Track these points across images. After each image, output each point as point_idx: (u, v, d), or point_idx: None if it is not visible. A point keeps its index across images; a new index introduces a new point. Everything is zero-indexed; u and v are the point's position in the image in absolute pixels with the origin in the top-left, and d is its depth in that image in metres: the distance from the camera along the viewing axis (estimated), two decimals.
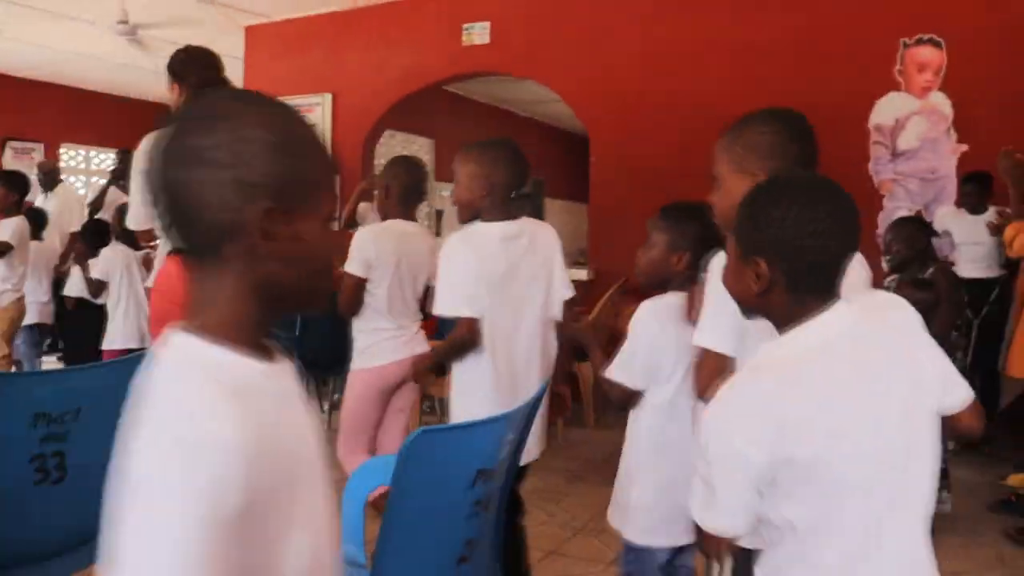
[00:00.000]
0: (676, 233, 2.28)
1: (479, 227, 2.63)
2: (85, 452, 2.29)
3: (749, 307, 1.43)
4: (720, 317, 1.67)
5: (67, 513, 2.31)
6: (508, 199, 2.62)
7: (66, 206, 6.99)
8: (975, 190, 5.00)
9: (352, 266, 3.32)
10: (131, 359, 2.77)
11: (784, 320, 1.37)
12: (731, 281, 1.44)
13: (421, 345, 3.46)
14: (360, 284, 3.32)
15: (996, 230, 4.74)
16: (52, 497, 2.25)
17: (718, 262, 1.67)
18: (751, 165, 1.77)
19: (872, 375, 1.32)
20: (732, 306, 1.48)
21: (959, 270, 4.97)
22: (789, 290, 1.35)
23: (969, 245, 5.08)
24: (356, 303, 3.36)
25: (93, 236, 5.80)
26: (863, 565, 1.31)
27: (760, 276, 1.35)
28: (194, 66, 3.55)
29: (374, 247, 3.35)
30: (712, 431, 1.32)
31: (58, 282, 6.25)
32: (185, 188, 0.94)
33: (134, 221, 3.52)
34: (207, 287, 0.98)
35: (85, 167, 11.65)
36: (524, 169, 2.68)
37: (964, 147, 5.26)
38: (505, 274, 2.56)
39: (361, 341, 3.43)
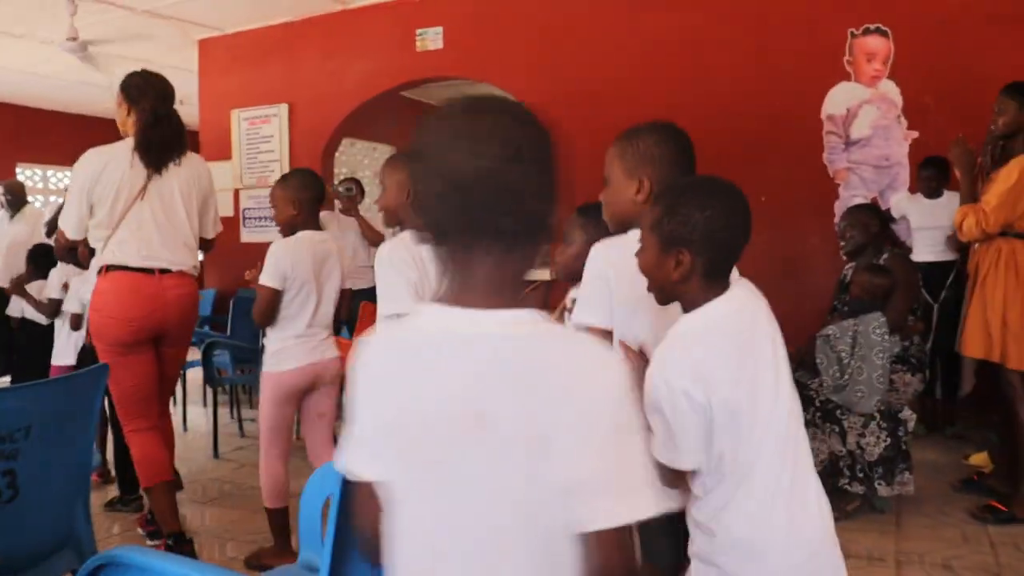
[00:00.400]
0: (592, 229, 2.43)
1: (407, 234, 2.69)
2: (36, 470, 2.27)
3: (666, 292, 1.68)
4: (596, 297, 1.98)
5: (20, 532, 2.28)
6: None
7: (35, 229, 6.86)
8: (933, 175, 5.06)
9: (268, 279, 3.34)
10: (79, 376, 2.74)
11: (696, 301, 1.64)
12: (652, 270, 1.68)
13: (330, 351, 3.52)
14: (276, 295, 3.35)
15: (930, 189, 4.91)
16: (6, 515, 2.21)
17: (597, 252, 2.02)
18: (640, 171, 2.07)
19: (761, 339, 1.65)
20: (605, 288, 1.93)
21: (917, 255, 5.03)
22: (705, 276, 1.63)
23: (927, 230, 5.13)
24: (271, 314, 3.38)
25: (42, 259, 5.73)
26: (780, 501, 1.58)
27: (681, 264, 1.62)
28: (150, 94, 3.59)
29: (290, 259, 3.37)
30: (662, 387, 1.55)
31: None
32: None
33: (73, 231, 3.51)
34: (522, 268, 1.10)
35: (43, 186, 11.51)
36: None
37: (915, 134, 5.33)
38: (421, 279, 2.57)
39: (270, 345, 3.46)
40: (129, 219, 3.45)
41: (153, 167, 3.49)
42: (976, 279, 4.00)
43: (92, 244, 3.56)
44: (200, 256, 3.85)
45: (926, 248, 5.14)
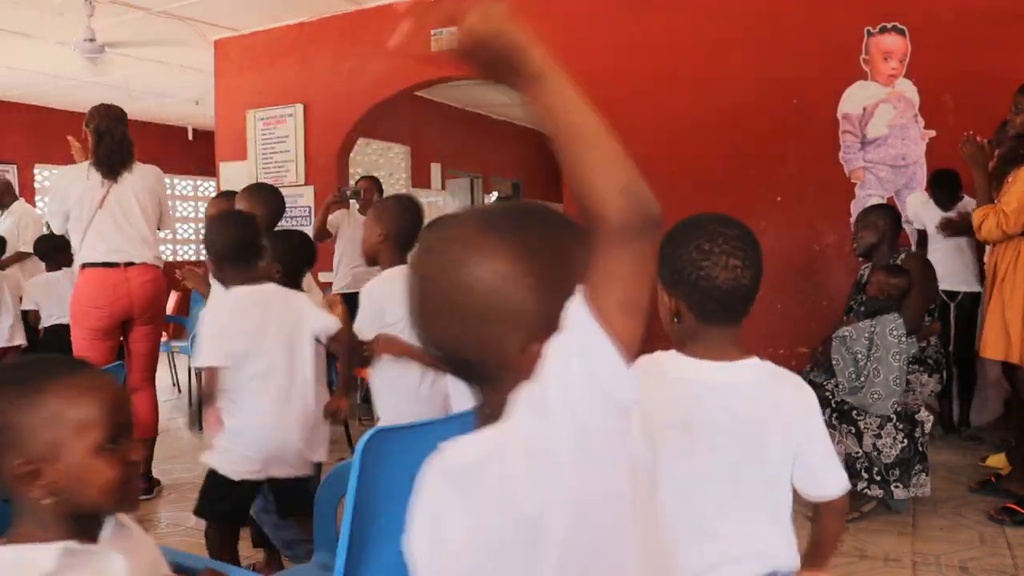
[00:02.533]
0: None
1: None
2: None
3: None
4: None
5: None
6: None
7: (22, 225, 6.91)
8: (943, 193, 5.03)
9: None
10: None
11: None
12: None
13: None
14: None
15: (954, 230, 4.82)
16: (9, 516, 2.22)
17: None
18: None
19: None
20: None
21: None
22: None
23: (940, 236, 5.10)
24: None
25: (55, 252, 6.17)
26: None
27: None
28: (96, 117, 4.29)
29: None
30: None
31: None
32: None
33: (57, 229, 4.38)
34: None
35: None
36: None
37: (932, 133, 5.30)
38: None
39: None
40: (95, 224, 4.19)
41: (108, 177, 4.22)
42: (994, 279, 3.96)
43: (74, 245, 4.37)
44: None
45: (939, 253, 5.09)
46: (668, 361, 1.62)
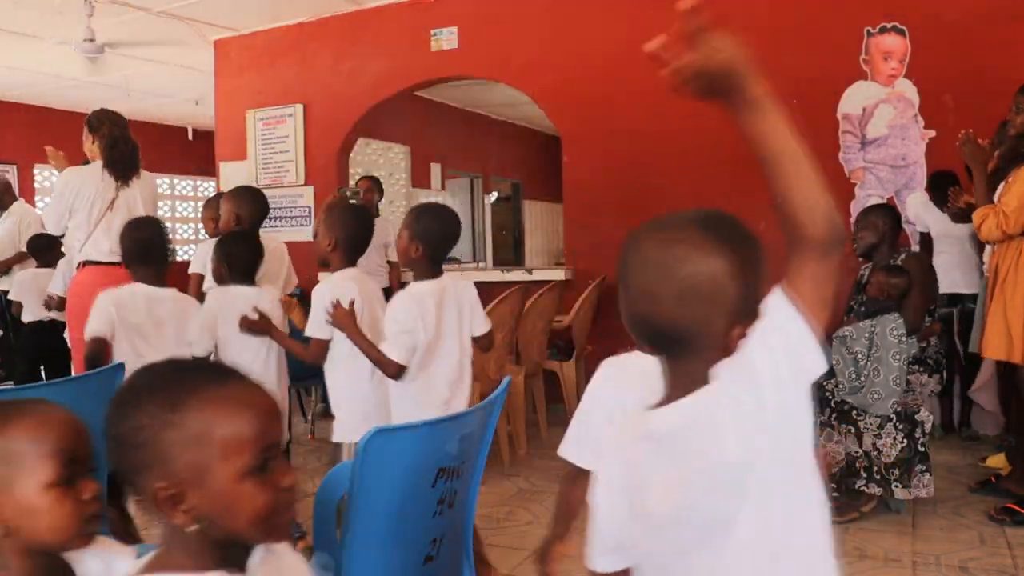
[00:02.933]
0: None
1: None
2: None
3: None
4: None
5: None
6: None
7: (23, 225, 6.91)
8: (941, 196, 5.02)
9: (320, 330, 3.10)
10: (94, 375, 2.77)
11: None
12: None
13: None
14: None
15: (959, 216, 4.76)
16: None
17: None
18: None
19: None
20: None
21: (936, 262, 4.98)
22: None
23: (947, 238, 5.10)
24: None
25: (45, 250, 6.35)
26: None
27: None
28: (107, 123, 4.46)
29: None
30: None
31: None
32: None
33: (54, 228, 4.54)
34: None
35: None
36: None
37: (932, 133, 5.30)
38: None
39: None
40: (103, 224, 4.38)
41: (120, 180, 4.44)
42: (996, 279, 3.96)
43: (69, 244, 4.49)
44: None
45: (943, 256, 5.09)
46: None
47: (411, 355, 2.79)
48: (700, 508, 1.14)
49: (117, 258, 4.13)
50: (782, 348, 1.06)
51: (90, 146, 4.50)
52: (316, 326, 2.98)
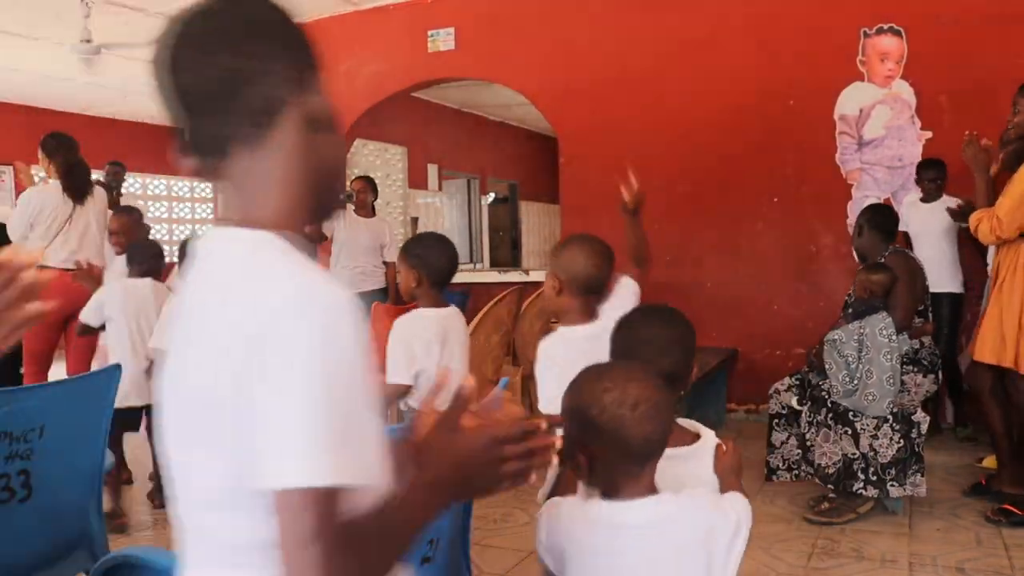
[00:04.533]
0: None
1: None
2: (50, 470, 2.27)
3: None
4: None
5: (36, 531, 2.29)
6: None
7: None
8: (933, 176, 5.02)
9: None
10: (92, 376, 2.76)
11: None
12: None
13: None
14: None
15: (957, 215, 4.75)
16: (20, 515, 2.22)
17: None
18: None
19: None
20: None
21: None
22: None
23: (925, 235, 5.09)
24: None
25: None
26: None
27: None
28: (62, 150, 5.09)
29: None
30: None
31: None
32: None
33: (18, 239, 4.98)
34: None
35: None
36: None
37: (928, 134, 5.31)
38: None
39: None
40: (60, 236, 5.04)
41: (78, 201, 5.12)
42: (995, 282, 3.95)
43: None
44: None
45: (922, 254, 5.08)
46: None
47: (412, 372, 2.91)
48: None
49: (70, 265, 4.70)
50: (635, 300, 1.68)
51: (46, 166, 5.15)
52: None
